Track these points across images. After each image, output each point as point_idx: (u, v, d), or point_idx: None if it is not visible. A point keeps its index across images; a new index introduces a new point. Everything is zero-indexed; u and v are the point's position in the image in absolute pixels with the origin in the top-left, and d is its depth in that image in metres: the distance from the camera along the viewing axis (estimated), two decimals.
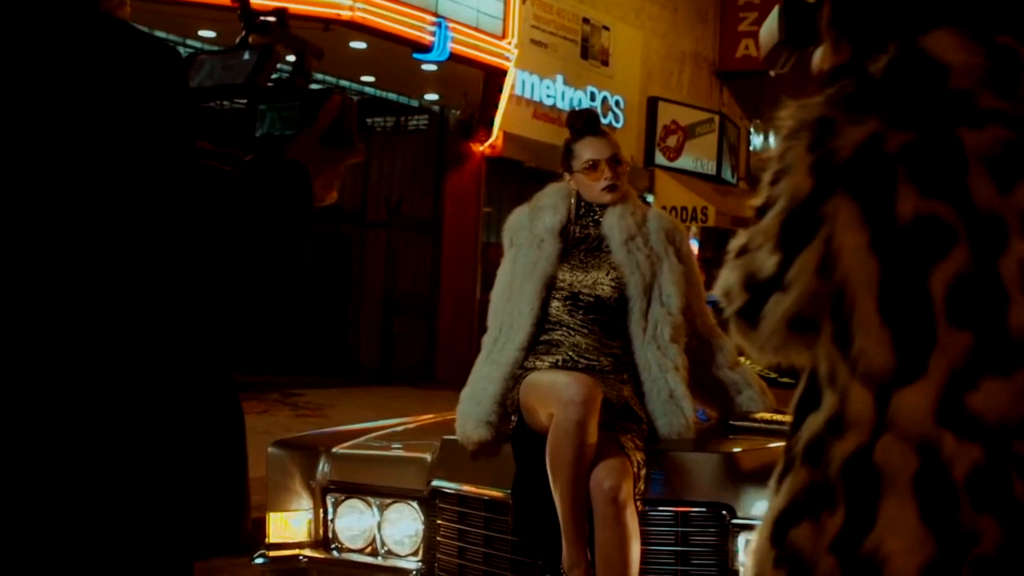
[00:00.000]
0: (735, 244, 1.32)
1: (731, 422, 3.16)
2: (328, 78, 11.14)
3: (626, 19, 16.09)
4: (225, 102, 1.51)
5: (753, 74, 17.92)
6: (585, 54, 15.10)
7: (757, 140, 19.39)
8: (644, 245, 3.11)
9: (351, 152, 1.47)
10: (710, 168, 17.47)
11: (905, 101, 1.21)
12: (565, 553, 2.66)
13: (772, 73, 1.56)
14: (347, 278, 13.95)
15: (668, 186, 16.26)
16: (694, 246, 11.94)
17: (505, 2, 13.23)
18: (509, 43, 13.22)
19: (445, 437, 3.11)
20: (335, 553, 3.21)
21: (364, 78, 12.73)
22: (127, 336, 1.17)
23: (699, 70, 18.23)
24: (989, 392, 1.14)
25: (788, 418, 1.34)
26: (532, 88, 14.02)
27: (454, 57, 12.13)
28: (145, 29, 1.24)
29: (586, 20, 15.08)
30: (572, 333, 3.04)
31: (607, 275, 3.08)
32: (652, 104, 16.68)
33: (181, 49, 1.54)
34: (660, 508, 2.76)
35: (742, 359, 3.22)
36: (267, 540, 3.25)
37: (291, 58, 1.52)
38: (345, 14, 10.81)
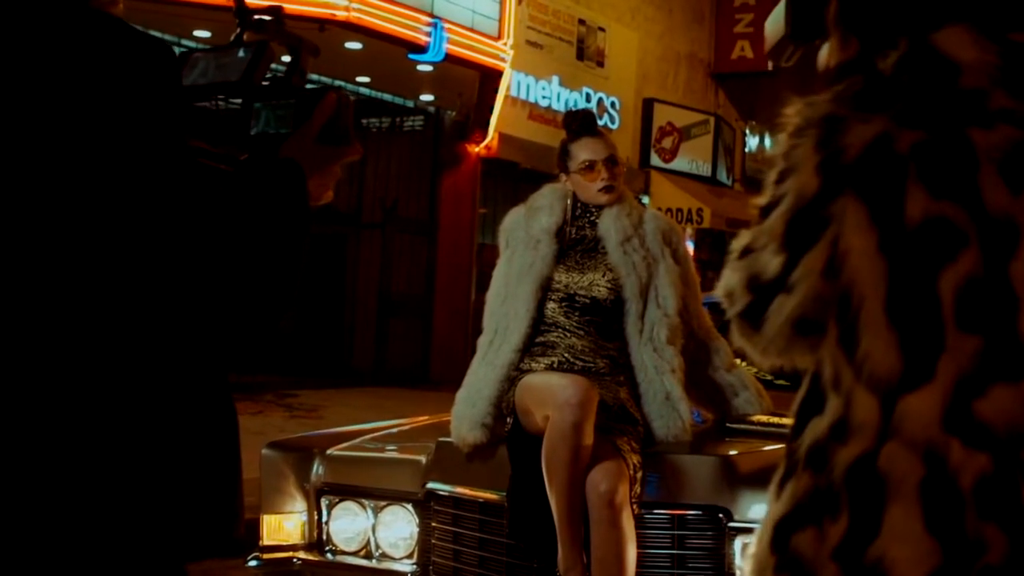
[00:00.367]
0: (738, 244, 1.29)
1: (728, 424, 3.16)
2: (323, 78, 11.13)
3: (622, 20, 16.10)
4: (220, 100, 1.49)
5: (749, 76, 17.98)
6: (581, 55, 15.11)
7: (752, 142, 19.42)
8: (640, 246, 3.10)
9: (347, 150, 1.45)
10: (705, 170, 17.49)
11: (915, 99, 1.19)
12: (561, 556, 2.65)
13: (770, 67, 1.54)
14: (342, 279, 13.95)
15: (663, 187, 16.27)
16: (689, 247, 11.95)
17: (501, 3, 13.23)
18: (505, 44, 13.22)
19: (440, 439, 3.10)
20: (329, 555, 3.20)
21: (359, 79, 12.73)
22: (119, 336, 1.16)
23: (695, 72, 18.25)
24: (998, 399, 1.12)
25: (786, 421, 1.32)
26: (528, 89, 14.03)
27: (450, 58, 12.15)
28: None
29: (582, 21, 15.08)
30: (568, 335, 3.02)
31: (603, 276, 3.07)
32: (648, 105, 16.70)
33: (176, 49, 1.52)
34: (656, 511, 2.74)
35: (739, 361, 3.21)
36: (261, 542, 3.24)
37: (286, 57, 1.50)
38: (340, 14, 10.81)
